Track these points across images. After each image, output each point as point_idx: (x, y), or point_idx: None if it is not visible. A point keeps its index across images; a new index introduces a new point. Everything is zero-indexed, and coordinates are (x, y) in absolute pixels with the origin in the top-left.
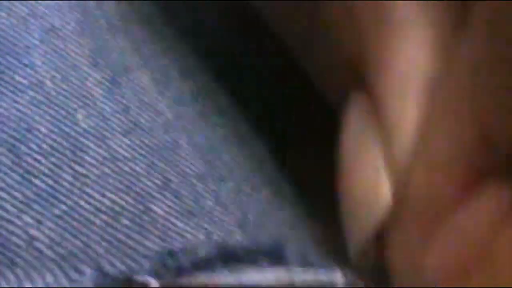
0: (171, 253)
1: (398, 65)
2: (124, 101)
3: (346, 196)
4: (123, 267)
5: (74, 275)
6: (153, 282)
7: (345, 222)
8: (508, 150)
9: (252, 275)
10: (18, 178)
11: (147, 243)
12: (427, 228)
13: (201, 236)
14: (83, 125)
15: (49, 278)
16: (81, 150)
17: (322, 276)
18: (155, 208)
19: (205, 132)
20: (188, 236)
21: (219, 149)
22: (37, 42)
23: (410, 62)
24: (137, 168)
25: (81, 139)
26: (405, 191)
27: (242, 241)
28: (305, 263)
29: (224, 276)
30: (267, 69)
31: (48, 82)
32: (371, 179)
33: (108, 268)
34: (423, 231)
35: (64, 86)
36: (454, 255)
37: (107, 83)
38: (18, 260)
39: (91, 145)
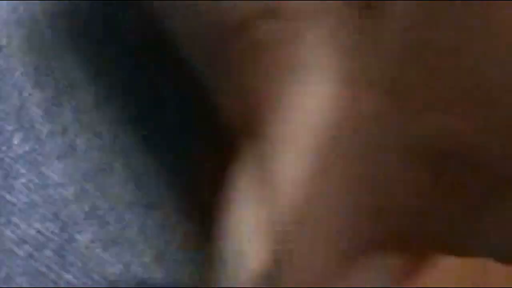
0: None
1: (291, 118)
2: (64, 122)
3: (224, 243)
4: None
5: None
6: None
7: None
8: (399, 222)
9: None
10: None
11: (67, 276)
12: None
13: (120, 268)
14: (19, 150)
15: None
16: (13, 177)
17: None
18: (79, 237)
19: (144, 154)
20: (108, 267)
21: (155, 173)
22: None
23: (304, 116)
24: (67, 194)
25: (15, 165)
26: (287, 255)
27: (158, 280)
28: None
29: None
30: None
31: None
32: (245, 237)
33: None
34: None
35: (2, 107)
36: None
37: (48, 103)
38: None
39: (24, 171)
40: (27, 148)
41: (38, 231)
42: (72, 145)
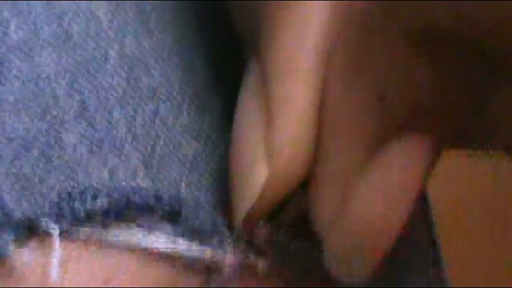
0: (69, 198)
1: (289, 41)
2: (59, 7)
3: (231, 163)
4: (25, 206)
5: None
6: (55, 229)
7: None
8: (406, 109)
9: (140, 237)
10: None
11: (52, 180)
12: (345, 185)
13: (105, 174)
14: (14, 36)
15: None
16: (6, 68)
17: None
18: (66, 137)
19: (140, 38)
20: (93, 172)
21: (149, 61)
22: None
23: (301, 38)
24: (58, 89)
25: (8, 54)
26: (316, 155)
27: (142, 189)
28: (197, 228)
29: (115, 231)
30: None
31: None
32: (249, 156)
33: (11, 205)
34: (341, 188)
35: None
36: (372, 206)
37: None
38: None
39: (17, 61)
40: (22, 35)
41: (27, 129)
42: (68, 32)
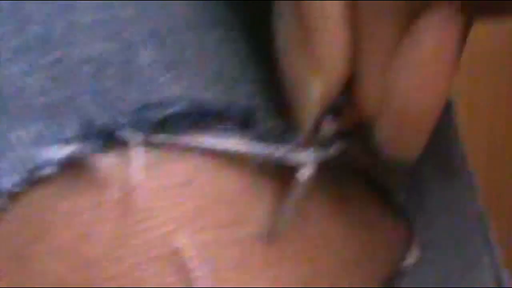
0: (147, 107)
1: None
2: None
3: (285, 79)
4: (105, 119)
5: (63, 123)
6: (134, 137)
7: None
8: None
9: (218, 139)
10: (15, 25)
11: (129, 96)
12: (386, 66)
13: (179, 90)
14: None
15: (40, 126)
16: None
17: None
18: (140, 57)
19: None
20: (167, 89)
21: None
22: None
23: None
24: (128, 15)
25: None
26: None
27: (215, 99)
28: (272, 136)
29: (192, 137)
30: None
31: None
32: (299, 72)
33: (93, 116)
34: (382, 70)
35: None
36: (413, 81)
37: None
38: (10, 107)
39: None
40: None
41: (102, 50)
42: None
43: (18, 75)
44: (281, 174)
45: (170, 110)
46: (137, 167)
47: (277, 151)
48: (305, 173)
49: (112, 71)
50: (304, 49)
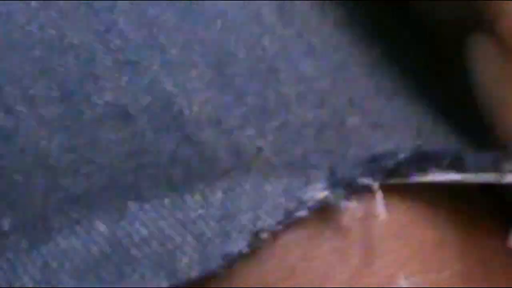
0: (376, 158)
1: None
2: (296, 27)
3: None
4: (342, 170)
5: (303, 178)
6: (373, 183)
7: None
8: None
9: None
10: (231, 97)
11: (351, 151)
12: None
13: (391, 146)
14: (270, 49)
15: (284, 181)
16: (275, 72)
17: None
18: (348, 121)
19: (372, 47)
20: (380, 146)
21: (386, 63)
22: None
23: None
24: (325, 86)
25: (273, 62)
26: None
27: (428, 149)
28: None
29: (421, 177)
30: None
31: (230, 11)
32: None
33: (334, 170)
34: None
35: (244, 12)
36: None
37: (277, 9)
38: (252, 166)
39: (282, 67)
40: (276, 48)
41: (315, 116)
42: (310, 44)
43: (253, 137)
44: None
45: (401, 156)
46: (380, 210)
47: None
48: None
49: (330, 133)
50: None
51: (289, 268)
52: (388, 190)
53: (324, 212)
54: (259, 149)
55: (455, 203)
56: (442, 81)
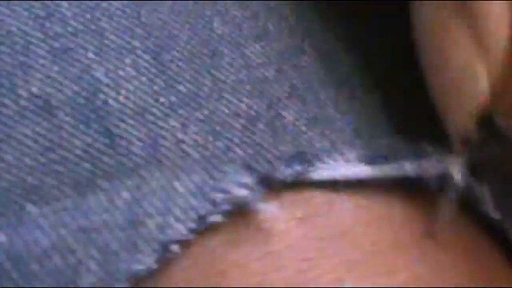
0: (302, 156)
1: None
2: (253, 7)
3: (440, 80)
4: (259, 168)
5: (218, 175)
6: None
7: (443, 106)
8: None
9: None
10: (162, 84)
11: (281, 147)
12: None
13: (327, 144)
14: (219, 31)
15: (195, 178)
16: (219, 57)
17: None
18: (285, 114)
19: (325, 33)
20: (316, 144)
21: (338, 53)
22: None
23: None
24: (268, 74)
25: (218, 45)
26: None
27: (359, 155)
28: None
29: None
30: None
31: None
32: (465, 61)
33: (251, 168)
34: None
35: None
36: None
37: None
38: (165, 160)
39: (227, 51)
40: (226, 30)
41: (249, 106)
42: (265, 28)
43: (175, 129)
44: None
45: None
46: (295, 219)
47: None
48: (456, 184)
49: (262, 126)
50: (472, 45)
51: (220, 273)
52: (332, 186)
53: (249, 214)
54: (179, 142)
55: (413, 203)
56: (394, 77)
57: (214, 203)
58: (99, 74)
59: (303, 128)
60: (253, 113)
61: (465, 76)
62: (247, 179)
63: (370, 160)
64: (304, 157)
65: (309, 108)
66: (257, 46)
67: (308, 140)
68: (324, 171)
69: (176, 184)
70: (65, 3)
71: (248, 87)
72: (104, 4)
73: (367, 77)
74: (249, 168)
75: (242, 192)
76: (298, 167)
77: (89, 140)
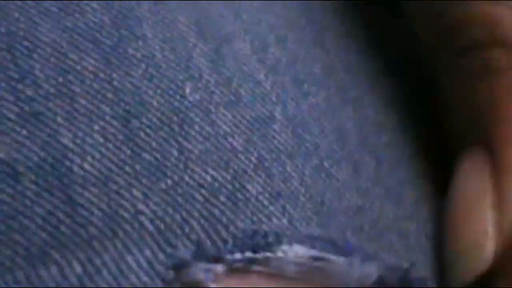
0: (254, 235)
1: None
2: (227, 72)
3: (453, 237)
4: (210, 249)
5: (169, 249)
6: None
7: (447, 259)
8: None
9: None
10: (129, 152)
11: (239, 223)
12: None
13: (285, 221)
14: (190, 98)
15: (147, 252)
16: (188, 125)
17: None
18: (249, 187)
19: (298, 101)
20: (274, 219)
21: (308, 120)
22: (147, 14)
23: None
24: (236, 144)
25: (188, 113)
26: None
27: (316, 231)
28: None
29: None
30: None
31: (158, 54)
32: (480, 231)
33: (202, 243)
34: None
35: (172, 58)
36: None
37: (211, 54)
38: (120, 232)
39: (197, 119)
40: (197, 97)
41: (214, 178)
42: (237, 95)
43: (137, 199)
44: None
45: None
46: None
47: None
48: None
49: (224, 199)
50: (491, 211)
51: None
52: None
53: None
54: (138, 213)
55: None
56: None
57: (165, 281)
58: (66, 140)
59: (265, 203)
60: (217, 185)
61: (475, 243)
62: (199, 257)
63: (320, 246)
64: (258, 242)
65: (273, 181)
66: (228, 114)
67: (268, 215)
68: (273, 262)
69: (129, 258)
70: (38, 66)
71: (214, 157)
72: (78, 67)
73: (337, 147)
74: (201, 245)
75: (194, 271)
76: (249, 254)
77: (50, 208)
